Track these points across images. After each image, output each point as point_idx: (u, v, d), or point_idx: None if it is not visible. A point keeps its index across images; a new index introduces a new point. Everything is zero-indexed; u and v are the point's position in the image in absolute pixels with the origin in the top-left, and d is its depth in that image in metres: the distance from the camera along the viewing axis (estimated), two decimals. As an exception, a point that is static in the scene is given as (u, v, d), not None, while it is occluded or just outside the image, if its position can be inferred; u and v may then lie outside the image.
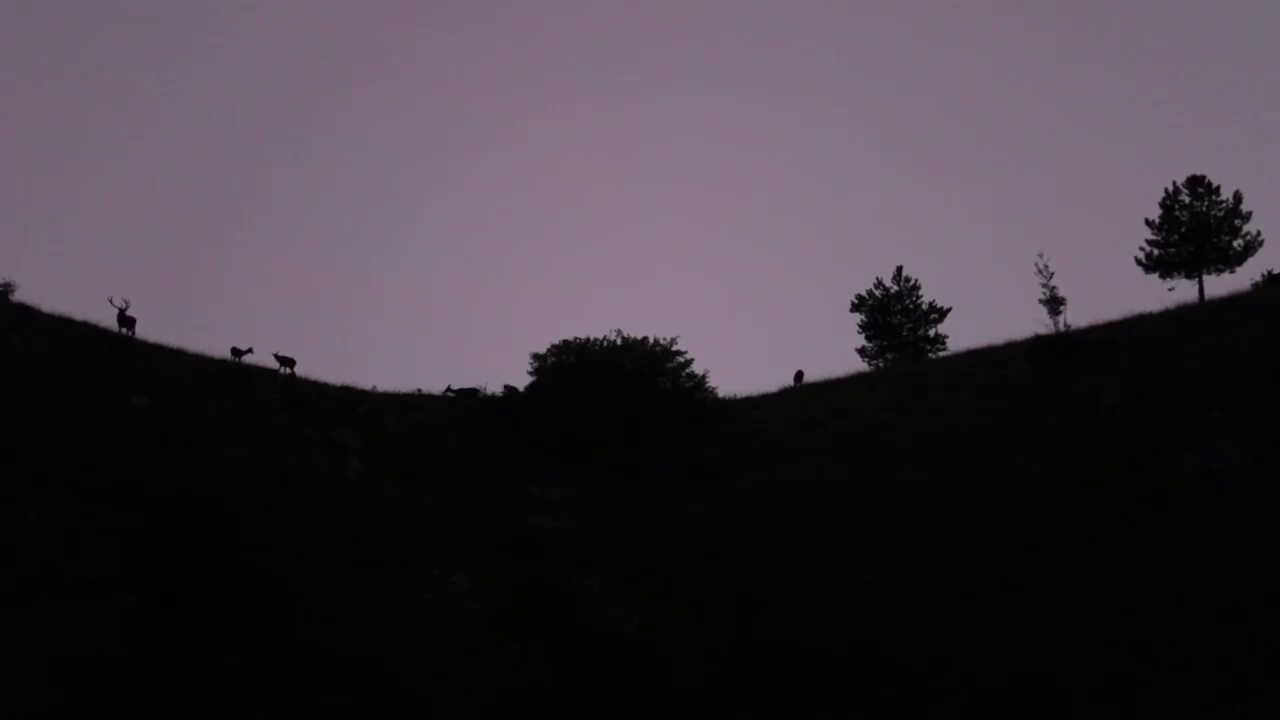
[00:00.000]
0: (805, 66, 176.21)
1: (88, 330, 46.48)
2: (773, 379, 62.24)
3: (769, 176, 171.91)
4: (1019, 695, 24.20)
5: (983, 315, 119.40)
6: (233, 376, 46.07)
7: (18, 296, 46.59)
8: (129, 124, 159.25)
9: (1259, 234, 55.10)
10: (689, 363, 49.31)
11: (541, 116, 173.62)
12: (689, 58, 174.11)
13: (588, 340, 49.97)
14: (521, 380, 50.30)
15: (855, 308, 62.99)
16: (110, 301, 46.99)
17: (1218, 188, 55.86)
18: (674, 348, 49.35)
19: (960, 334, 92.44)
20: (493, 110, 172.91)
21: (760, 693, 27.33)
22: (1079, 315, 59.33)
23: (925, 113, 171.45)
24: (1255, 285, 51.01)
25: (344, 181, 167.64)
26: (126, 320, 46.86)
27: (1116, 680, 24.18)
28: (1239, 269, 55.31)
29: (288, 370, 48.34)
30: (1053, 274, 54.68)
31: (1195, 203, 55.85)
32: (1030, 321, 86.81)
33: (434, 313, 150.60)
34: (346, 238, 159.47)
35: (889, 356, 61.55)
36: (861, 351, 62.51)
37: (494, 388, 50.93)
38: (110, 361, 43.37)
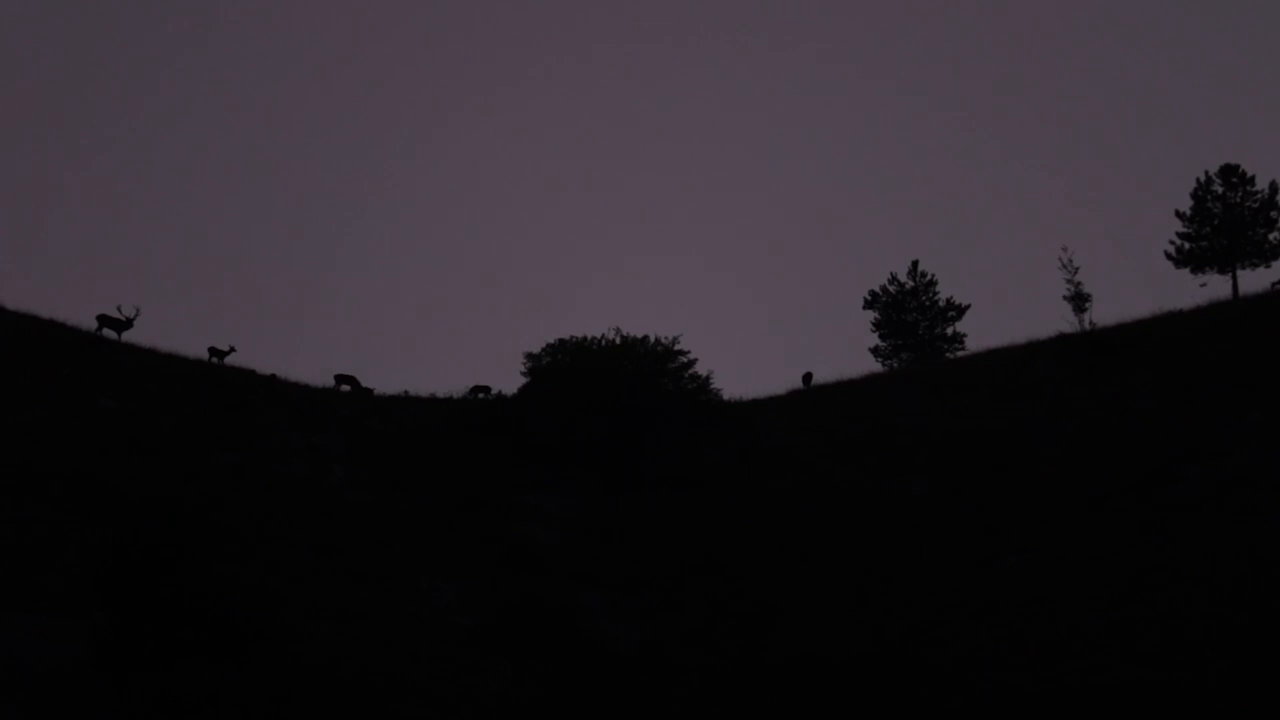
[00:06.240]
0: (818, 56, 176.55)
1: (53, 328, 46.46)
2: (781, 380, 62.23)
3: (777, 169, 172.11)
4: (1034, 707, 24.21)
5: (1004, 313, 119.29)
6: (208, 378, 46.00)
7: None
8: (110, 120, 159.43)
9: (1296, 226, 55.02)
10: (692, 363, 49.22)
11: (543, 113, 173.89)
12: (691, 52, 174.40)
13: (585, 339, 49.88)
14: (516, 381, 50.30)
15: (868, 305, 62.93)
16: (118, 310, 47.30)
17: (1253, 177, 55.77)
18: (676, 347, 49.25)
19: (980, 332, 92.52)
20: (488, 105, 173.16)
21: (766, 713, 27.29)
22: (1106, 313, 59.37)
23: (943, 101, 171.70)
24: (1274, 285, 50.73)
25: (328, 178, 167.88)
26: (100, 320, 47.09)
27: (1128, 688, 24.18)
28: (1275, 263, 55.26)
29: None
30: (1078, 269, 54.44)
31: (1229, 193, 55.76)
32: (1054, 319, 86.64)
33: (424, 312, 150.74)
34: (330, 235, 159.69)
35: (904, 356, 61.52)
36: (875, 351, 62.53)
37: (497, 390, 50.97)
38: (77, 361, 43.27)
